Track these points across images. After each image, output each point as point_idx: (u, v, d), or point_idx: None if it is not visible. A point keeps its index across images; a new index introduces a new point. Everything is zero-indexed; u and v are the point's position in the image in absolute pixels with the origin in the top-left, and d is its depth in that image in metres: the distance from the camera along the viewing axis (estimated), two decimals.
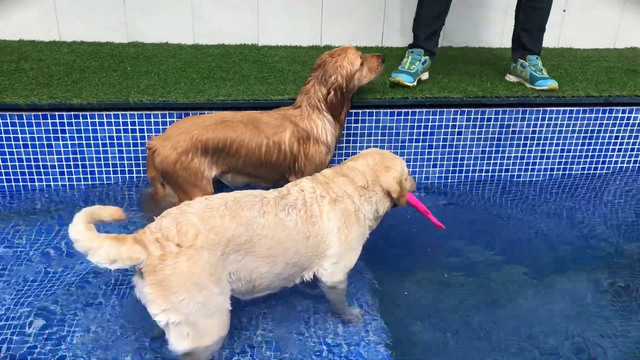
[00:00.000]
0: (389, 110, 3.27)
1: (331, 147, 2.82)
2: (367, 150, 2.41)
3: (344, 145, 3.31)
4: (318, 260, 2.11)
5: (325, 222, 2.09)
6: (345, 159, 3.30)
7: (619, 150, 3.61)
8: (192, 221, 1.85)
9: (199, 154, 2.59)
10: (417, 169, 3.45)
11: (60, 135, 3.07)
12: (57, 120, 3.04)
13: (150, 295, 1.77)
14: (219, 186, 2.87)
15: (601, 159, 3.62)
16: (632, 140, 3.59)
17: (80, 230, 1.72)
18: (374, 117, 3.27)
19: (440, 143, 3.40)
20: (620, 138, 3.57)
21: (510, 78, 3.66)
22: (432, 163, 3.45)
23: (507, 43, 3.84)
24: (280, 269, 2.02)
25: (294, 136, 2.72)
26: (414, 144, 3.37)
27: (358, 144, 3.32)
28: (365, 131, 3.30)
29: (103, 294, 2.37)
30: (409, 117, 3.30)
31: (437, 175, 3.48)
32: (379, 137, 3.32)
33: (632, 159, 3.65)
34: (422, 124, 3.33)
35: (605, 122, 3.51)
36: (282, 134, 2.71)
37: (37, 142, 3.06)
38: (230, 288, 1.93)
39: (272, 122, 2.73)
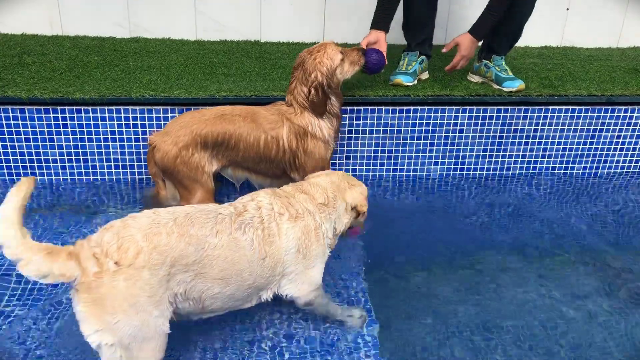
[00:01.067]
0: (390, 108, 3.27)
1: (330, 142, 2.80)
2: (330, 171, 2.36)
3: (346, 142, 3.31)
4: (276, 280, 2.02)
5: (284, 240, 1.98)
6: (347, 156, 3.34)
7: (621, 149, 3.60)
8: (134, 238, 1.72)
9: (199, 149, 2.59)
10: (419, 167, 3.45)
11: (62, 129, 3.08)
12: (59, 115, 3.05)
13: (83, 314, 1.66)
14: (221, 182, 2.88)
15: (603, 158, 3.62)
16: (634, 140, 3.58)
17: (13, 235, 1.59)
18: (376, 115, 3.27)
19: (442, 141, 3.40)
20: (622, 137, 3.56)
21: (474, 78, 3.59)
22: (433, 160, 3.45)
23: None
24: (232, 291, 1.91)
25: (291, 132, 2.71)
26: (415, 141, 3.37)
27: (360, 141, 3.32)
28: (367, 128, 3.30)
29: None
30: (411, 114, 3.30)
31: (438, 172, 3.49)
32: (380, 135, 3.32)
33: (634, 158, 3.64)
34: (424, 121, 3.33)
35: (607, 121, 3.50)
36: (279, 129, 2.70)
37: (39, 136, 3.07)
38: (176, 307, 1.83)
39: (270, 117, 2.72)
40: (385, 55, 3.06)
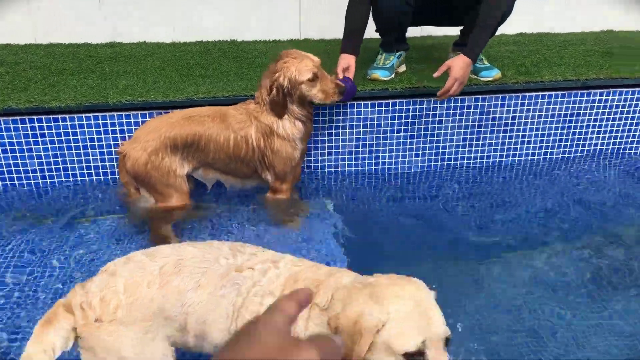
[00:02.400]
0: (369, 102, 3.27)
1: (296, 142, 2.78)
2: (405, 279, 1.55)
3: (327, 138, 3.31)
4: None
5: None
6: (328, 152, 3.34)
7: (598, 132, 3.64)
8: (117, 289, 1.61)
9: (169, 152, 2.59)
10: (400, 159, 3.47)
11: (40, 139, 3.05)
12: (36, 124, 3.01)
13: (82, 357, 1.64)
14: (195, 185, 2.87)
15: (581, 142, 3.66)
16: (610, 122, 3.62)
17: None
18: (355, 109, 3.27)
19: (422, 132, 3.42)
20: (598, 120, 3.61)
21: None
22: (414, 152, 3.46)
23: None
24: (208, 350, 1.69)
25: (259, 131, 2.71)
26: (395, 134, 3.39)
27: (340, 137, 3.33)
28: (347, 123, 3.30)
29: None
30: (389, 107, 3.31)
31: (419, 164, 3.50)
32: (361, 129, 3.33)
33: (611, 140, 3.69)
34: (403, 114, 3.34)
35: (583, 105, 3.54)
36: (248, 128, 2.70)
37: (16, 147, 3.04)
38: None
39: (239, 117, 2.72)
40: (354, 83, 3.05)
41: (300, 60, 2.66)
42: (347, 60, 3.10)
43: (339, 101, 2.86)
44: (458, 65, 2.97)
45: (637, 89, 3.55)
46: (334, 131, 3.31)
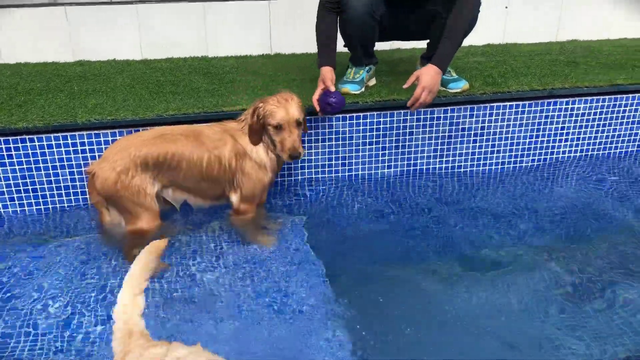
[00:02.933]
0: (340, 115, 3.30)
1: (267, 168, 2.80)
2: None
3: None
4: None
5: None
6: (301, 165, 3.35)
7: (565, 140, 3.72)
8: None
9: (139, 171, 2.57)
10: (373, 171, 3.49)
11: (7, 160, 3.00)
12: (3, 146, 2.96)
13: None
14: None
15: (549, 150, 3.73)
16: (576, 130, 3.70)
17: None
18: (327, 123, 3.29)
19: (393, 144, 3.45)
20: (565, 129, 3.68)
21: None
22: (386, 164, 3.49)
23: None
24: None
25: (232, 151, 2.72)
26: (367, 147, 3.41)
27: (313, 150, 3.34)
28: (320, 137, 3.32)
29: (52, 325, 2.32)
30: (361, 120, 3.34)
31: (392, 176, 3.53)
32: (333, 142, 3.35)
33: (578, 148, 3.77)
34: (374, 126, 3.37)
35: (550, 114, 3.62)
36: (222, 148, 2.71)
37: None
38: None
39: (213, 136, 2.73)
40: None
41: (278, 106, 2.71)
42: (330, 73, 3.13)
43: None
44: (427, 74, 2.98)
45: (601, 97, 3.64)
46: (306, 145, 3.32)
